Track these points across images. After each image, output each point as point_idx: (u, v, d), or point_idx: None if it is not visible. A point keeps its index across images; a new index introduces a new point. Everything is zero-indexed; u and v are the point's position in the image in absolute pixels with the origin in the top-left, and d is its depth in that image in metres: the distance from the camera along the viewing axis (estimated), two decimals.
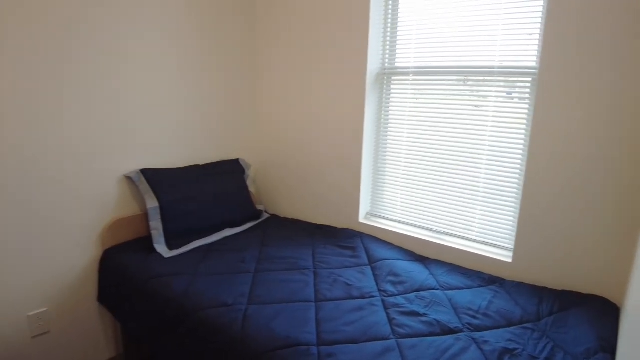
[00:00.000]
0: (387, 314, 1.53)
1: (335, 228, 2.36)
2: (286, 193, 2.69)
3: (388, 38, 2.16)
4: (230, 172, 2.46)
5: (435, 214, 2.13)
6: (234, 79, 2.56)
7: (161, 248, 2.00)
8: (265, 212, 2.67)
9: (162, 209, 2.05)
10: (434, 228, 2.14)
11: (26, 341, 1.85)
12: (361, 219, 2.35)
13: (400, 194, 2.24)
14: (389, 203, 2.30)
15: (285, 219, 2.57)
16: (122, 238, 2.11)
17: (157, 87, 2.17)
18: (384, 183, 2.30)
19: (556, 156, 1.68)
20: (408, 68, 2.10)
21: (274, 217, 2.61)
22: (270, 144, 2.72)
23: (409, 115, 2.13)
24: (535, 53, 1.73)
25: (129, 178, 2.11)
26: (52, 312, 1.92)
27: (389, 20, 2.13)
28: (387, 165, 2.27)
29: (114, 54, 1.97)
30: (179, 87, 2.28)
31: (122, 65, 2.01)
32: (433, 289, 1.71)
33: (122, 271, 1.90)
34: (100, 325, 2.12)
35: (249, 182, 2.63)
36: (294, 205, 2.67)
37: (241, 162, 2.58)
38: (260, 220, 2.52)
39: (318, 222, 2.52)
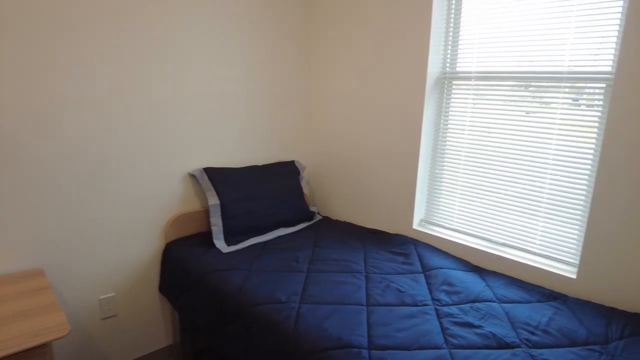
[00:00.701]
0: (441, 323, 1.50)
1: (387, 233, 2.34)
2: (339, 196, 2.71)
3: (450, 41, 2.11)
4: (286, 173, 2.52)
5: (494, 224, 2.06)
6: (290, 81, 2.63)
7: (220, 243, 2.09)
8: (318, 213, 2.71)
9: (223, 206, 2.14)
10: (493, 238, 2.07)
11: (97, 322, 2.02)
12: (415, 226, 2.31)
13: (458, 202, 2.18)
14: (445, 210, 2.25)
15: (337, 222, 2.59)
16: (184, 232, 2.23)
17: (220, 93, 2.28)
18: (441, 190, 2.25)
19: (631, 166, 1.56)
20: (470, 72, 2.05)
21: (326, 219, 2.63)
22: (325, 147, 2.75)
23: (470, 121, 2.08)
24: (610, 57, 1.63)
25: (192, 176, 2.23)
26: (119, 297, 2.08)
27: (451, 22, 2.09)
28: (445, 172, 2.22)
29: (186, 66, 2.10)
30: (240, 92, 2.37)
31: (191, 73, 2.13)
32: (489, 301, 1.66)
33: (182, 264, 2.01)
34: (160, 314, 2.25)
35: (303, 184, 2.68)
36: (346, 208, 2.68)
37: (297, 164, 2.64)
38: (313, 221, 2.56)
39: (370, 227, 2.51)
